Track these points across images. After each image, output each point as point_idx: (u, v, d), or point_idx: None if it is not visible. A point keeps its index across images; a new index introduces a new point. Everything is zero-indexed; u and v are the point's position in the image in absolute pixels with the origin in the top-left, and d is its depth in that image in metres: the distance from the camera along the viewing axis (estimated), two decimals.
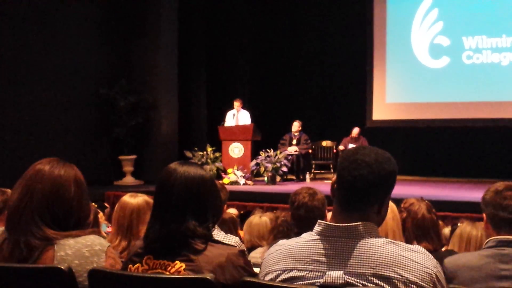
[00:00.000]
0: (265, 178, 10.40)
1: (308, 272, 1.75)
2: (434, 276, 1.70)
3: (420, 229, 3.10)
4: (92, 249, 2.02)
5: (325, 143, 11.99)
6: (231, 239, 3.35)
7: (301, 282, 1.75)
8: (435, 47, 11.86)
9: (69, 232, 2.04)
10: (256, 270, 2.07)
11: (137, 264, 2.04)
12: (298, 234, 2.06)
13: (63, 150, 9.32)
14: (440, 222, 3.81)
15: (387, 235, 2.76)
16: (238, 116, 10.86)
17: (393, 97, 12.32)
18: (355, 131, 11.42)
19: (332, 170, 11.53)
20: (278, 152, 10.55)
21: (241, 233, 4.47)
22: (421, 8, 11.98)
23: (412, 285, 1.66)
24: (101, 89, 10.78)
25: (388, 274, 1.67)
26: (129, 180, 11.02)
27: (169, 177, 2.07)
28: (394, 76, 12.30)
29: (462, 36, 11.62)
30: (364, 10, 12.46)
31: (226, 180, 9.98)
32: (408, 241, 3.04)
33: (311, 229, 1.82)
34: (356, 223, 1.73)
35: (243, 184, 10.11)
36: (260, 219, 4.25)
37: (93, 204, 4.60)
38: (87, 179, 2.18)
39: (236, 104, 10.89)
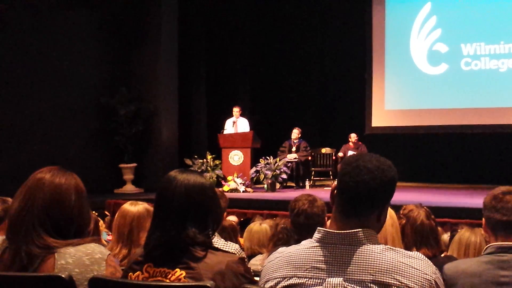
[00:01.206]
0: (265, 186, 10.40)
1: (307, 279, 1.75)
2: (433, 283, 1.70)
3: (419, 236, 3.10)
4: (92, 257, 2.03)
5: (324, 150, 12.00)
6: (231, 247, 3.36)
7: None
8: (434, 54, 11.89)
9: (70, 241, 2.05)
10: (256, 278, 2.08)
11: (138, 272, 2.04)
12: (298, 241, 2.07)
13: (64, 159, 9.33)
14: (439, 228, 3.81)
15: (386, 241, 2.76)
16: (237, 124, 10.89)
17: (392, 104, 12.34)
18: (353, 136, 11.44)
19: (331, 177, 11.53)
20: (278, 159, 10.56)
21: (241, 240, 4.47)
22: (419, 16, 12.02)
23: None
24: (101, 98, 10.79)
25: (387, 280, 1.68)
26: (129, 188, 11.02)
27: (169, 185, 2.08)
28: (393, 83, 12.32)
29: (460, 43, 11.66)
30: (363, 17, 12.51)
31: (226, 188, 9.99)
32: (408, 247, 3.04)
33: (311, 236, 1.83)
34: (355, 230, 1.74)
35: (243, 192, 10.12)
36: (260, 227, 4.26)
37: (94, 212, 4.61)
38: (87, 188, 2.18)
39: (236, 110, 10.91)
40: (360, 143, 11.46)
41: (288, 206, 3.47)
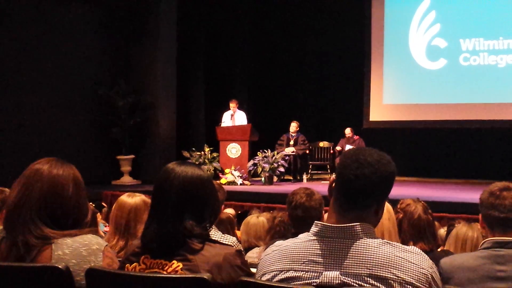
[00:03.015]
0: (262, 179, 10.41)
1: (304, 272, 1.75)
2: (429, 277, 1.71)
3: (416, 230, 3.10)
4: (89, 249, 2.03)
5: (322, 144, 12.00)
6: (228, 239, 3.37)
7: (298, 283, 1.76)
8: (433, 49, 11.88)
9: (67, 231, 2.05)
10: (253, 270, 2.08)
11: (134, 264, 2.04)
12: (295, 234, 2.07)
13: (62, 150, 9.32)
14: (436, 223, 3.82)
15: (383, 235, 2.76)
16: (235, 117, 10.89)
17: (390, 98, 12.34)
18: (348, 131, 11.43)
19: (329, 171, 11.54)
20: (276, 152, 10.56)
21: (238, 233, 4.47)
22: (418, 10, 12.00)
23: (408, 286, 1.67)
24: (99, 90, 10.78)
25: (384, 274, 1.68)
26: (127, 179, 11.02)
27: (166, 177, 2.07)
28: (391, 77, 12.32)
29: (459, 38, 11.64)
30: (362, 12, 12.48)
31: (223, 180, 9.99)
32: (404, 241, 3.04)
33: (308, 229, 1.83)
34: (353, 224, 1.74)
35: (241, 184, 10.13)
36: (258, 219, 4.26)
37: (91, 203, 4.61)
38: (85, 179, 2.18)
39: (232, 105, 10.91)
40: (358, 137, 11.46)
41: (286, 199, 3.48)
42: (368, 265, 1.70)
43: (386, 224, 2.86)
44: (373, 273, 1.69)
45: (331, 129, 12.36)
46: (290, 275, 1.77)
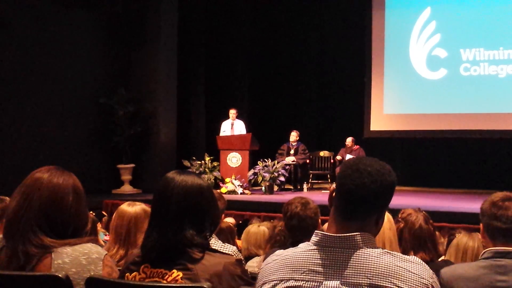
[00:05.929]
0: (263, 188, 10.41)
1: (304, 282, 1.75)
2: (430, 287, 1.70)
3: (417, 240, 3.10)
4: (89, 257, 2.03)
5: (322, 153, 12.00)
6: (229, 248, 3.36)
7: None
8: (433, 59, 11.90)
9: (67, 240, 2.05)
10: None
11: (134, 273, 2.04)
12: (293, 244, 2.07)
13: (62, 159, 9.33)
14: (437, 233, 3.81)
15: (384, 245, 2.76)
16: (234, 126, 10.90)
17: (391, 108, 12.35)
18: (349, 140, 11.43)
19: (329, 180, 11.54)
20: (276, 161, 10.57)
21: (239, 242, 4.47)
22: (419, 21, 12.04)
23: None
24: (100, 98, 10.80)
25: (384, 284, 1.67)
26: (127, 188, 11.02)
27: (166, 186, 2.08)
28: (392, 87, 12.33)
29: (459, 49, 11.68)
30: (362, 21, 12.52)
31: (224, 190, 9.99)
32: (405, 251, 3.04)
33: (305, 238, 1.83)
34: (353, 233, 1.74)
35: (241, 194, 10.12)
36: (258, 228, 4.25)
37: (91, 212, 4.60)
38: (85, 188, 2.18)
39: (232, 112, 10.92)
40: (358, 146, 11.45)
41: (281, 210, 3.47)
42: (368, 275, 1.69)
43: (387, 234, 2.85)
44: (373, 283, 1.68)
45: (331, 139, 12.37)
46: (290, 285, 1.77)
